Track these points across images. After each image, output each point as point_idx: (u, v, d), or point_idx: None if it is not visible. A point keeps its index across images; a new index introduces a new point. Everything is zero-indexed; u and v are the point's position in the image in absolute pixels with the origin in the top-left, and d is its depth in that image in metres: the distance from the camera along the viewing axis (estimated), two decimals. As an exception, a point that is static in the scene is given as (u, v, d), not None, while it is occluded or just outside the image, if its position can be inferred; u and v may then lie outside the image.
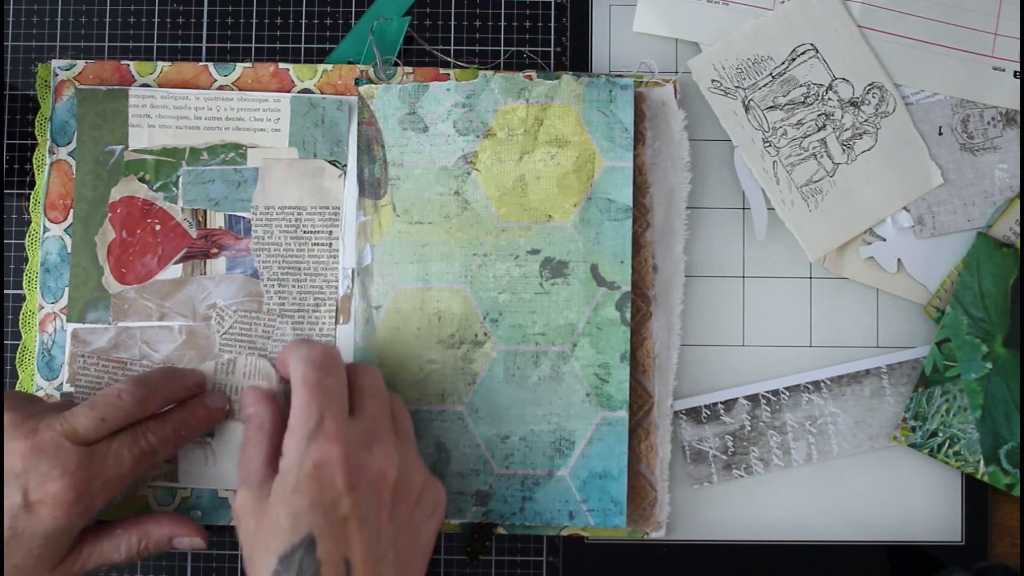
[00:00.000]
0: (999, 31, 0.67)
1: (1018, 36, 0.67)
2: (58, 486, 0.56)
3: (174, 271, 0.67)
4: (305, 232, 0.66)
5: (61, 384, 0.66)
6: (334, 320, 0.66)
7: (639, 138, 0.66)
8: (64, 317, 0.66)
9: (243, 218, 0.67)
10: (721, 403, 0.67)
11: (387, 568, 0.55)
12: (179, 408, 0.63)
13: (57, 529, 0.57)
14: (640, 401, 0.66)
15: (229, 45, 0.69)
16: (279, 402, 0.61)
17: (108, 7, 0.69)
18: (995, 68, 0.67)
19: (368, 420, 0.57)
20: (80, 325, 0.66)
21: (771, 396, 0.67)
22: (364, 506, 0.55)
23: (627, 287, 0.65)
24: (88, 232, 0.66)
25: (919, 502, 0.68)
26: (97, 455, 0.58)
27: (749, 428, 0.67)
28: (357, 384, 0.59)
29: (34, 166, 0.67)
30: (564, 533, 0.66)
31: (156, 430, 0.60)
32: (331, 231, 0.66)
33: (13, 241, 0.68)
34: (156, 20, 0.69)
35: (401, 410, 0.61)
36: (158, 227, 0.67)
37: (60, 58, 0.68)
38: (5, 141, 0.68)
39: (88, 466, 0.57)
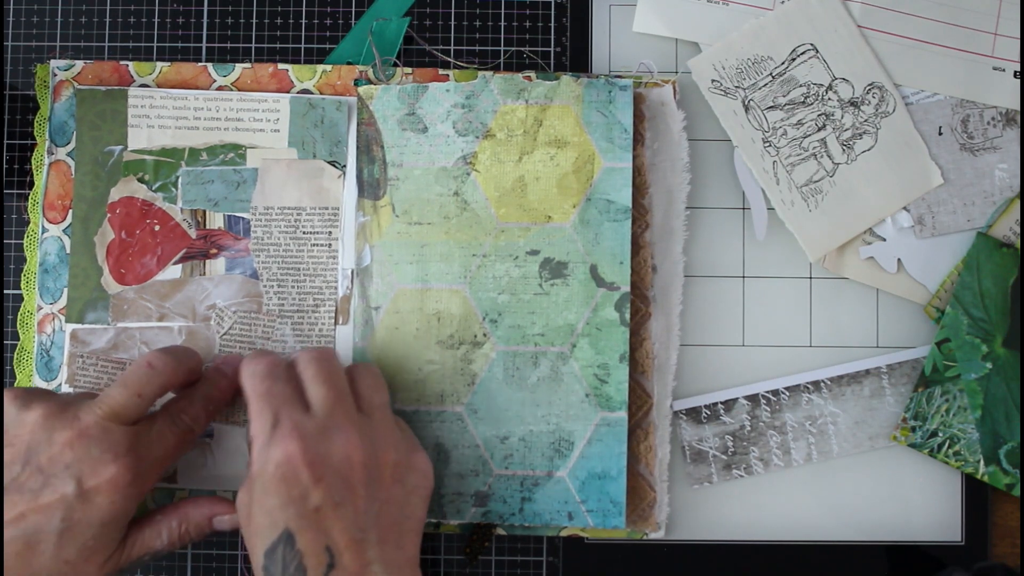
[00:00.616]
0: (999, 31, 0.67)
1: (1018, 36, 0.67)
2: (113, 469, 0.56)
3: (173, 272, 0.67)
4: (304, 233, 0.66)
5: (60, 385, 0.66)
6: (333, 321, 0.66)
7: (638, 139, 0.66)
8: (63, 318, 0.66)
9: (242, 219, 0.67)
10: (721, 403, 0.67)
11: (372, 548, 0.55)
12: (201, 384, 0.63)
13: (114, 515, 0.57)
14: (639, 402, 0.66)
15: (229, 45, 0.69)
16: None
17: (108, 7, 0.69)
18: (995, 68, 0.67)
19: (323, 411, 0.58)
20: (79, 326, 0.66)
21: (771, 396, 0.67)
22: (335, 494, 0.55)
23: (626, 288, 0.65)
24: (87, 232, 0.66)
25: (919, 502, 0.68)
26: (143, 436, 0.58)
27: (749, 428, 0.67)
28: (305, 377, 0.59)
29: (33, 166, 0.67)
30: (563, 534, 0.66)
31: (187, 408, 0.61)
32: (330, 232, 0.66)
33: (13, 241, 0.68)
34: (156, 20, 0.69)
35: (373, 384, 0.61)
36: (157, 227, 0.67)
37: (60, 58, 0.68)
38: (5, 141, 0.68)
39: (136, 447, 0.57)
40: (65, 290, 0.66)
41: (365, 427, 0.58)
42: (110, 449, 0.56)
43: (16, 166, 0.68)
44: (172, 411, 0.60)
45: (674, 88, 0.67)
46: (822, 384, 0.67)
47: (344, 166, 0.66)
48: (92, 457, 0.56)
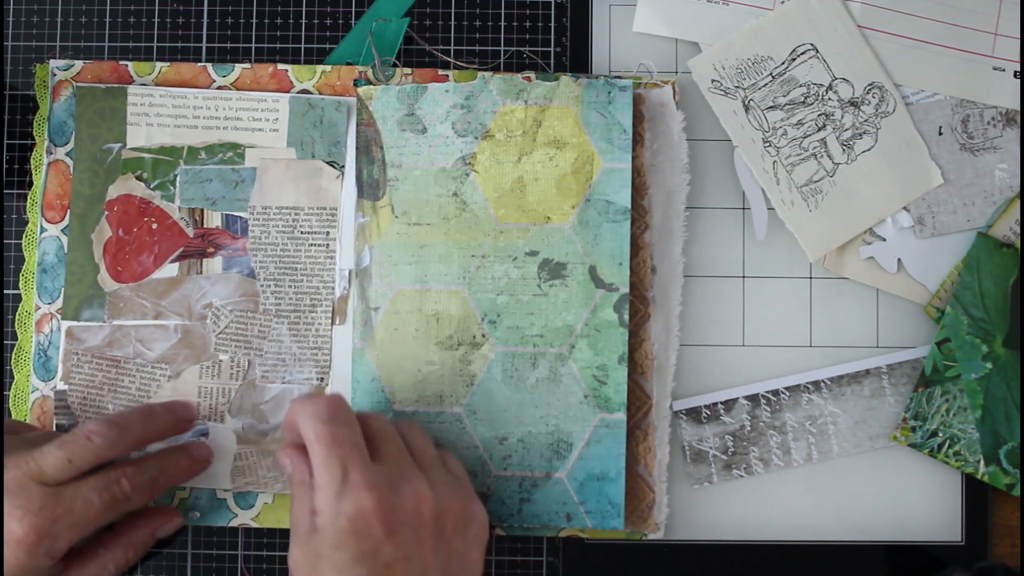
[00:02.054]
0: (999, 31, 0.67)
1: (1018, 36, 0.67)
2: (19, 528, 0.55)
3: (170, 270, 0.67)
4: (302, 232, 0.66)
5: (56, 384, 0.66)
6: (330, 321, 0.66)
7: (638, 140, 0.66)
8: (60, 317, 0.66)
9: (240, 218, 0.67)
10: (721, 403, 0.67)
11: None
12: (160, 455, 0.62)
13: (20, 570, 0.56)
14: (638, 403, 0.66)
15: (229, 45, 0.69)
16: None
17: (108, 7, 0.69)
18: (995, 68, 0.67)
19: (390, 462, 0.57)
20: (75, 323, 0.66)
21: (771, 396, 0.67)
22: (406, 547, 0.54)
23: (625, 289, 0.65)
24: (84, 230, 0.67)
25: (919, 502, 0.68)
26: (64, 497, 0.57)
27: (749, 428, 0.67)
28: (369, 431, 0.58)
29: (32, 166, 0.67)
30: (562, 535, 0.66)
31: (132, 476, 0.59)
32: (328, 232, 0.66)
33: (13, 242, 0.68)
34: (156, 20, 0.69)
35: (420, 438, 0.60)
36: (155, 226, 0.67)
37: (59, 58, 0.68)
38: (5, 142, 0.68)
39: (52, 508, 0.56)
40: (63, 289, 0.66)
41: (433, 476, 0.58)
42: (20, 506, 0.56)
43: (16, 166, 0.68)
44: (111, 476, 0.59)
45: (674, 89, 0.67)
46: (822, 384, 0.67)
47: (343, 166, 0.66)
48: (5, 512, 0.56)
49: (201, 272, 0.67)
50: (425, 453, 0.59)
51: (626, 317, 0.65)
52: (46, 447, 0.57)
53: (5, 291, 0.68)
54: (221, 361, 0.66)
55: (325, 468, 0.55)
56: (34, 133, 0.67)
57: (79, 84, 0.67)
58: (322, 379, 0.66)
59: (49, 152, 0.67)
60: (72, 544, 0.58)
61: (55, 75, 0.67)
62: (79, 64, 0.68)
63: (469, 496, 0.59)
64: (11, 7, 0.69)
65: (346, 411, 0.57)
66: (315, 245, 0.66)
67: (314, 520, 0.55)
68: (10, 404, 0.67)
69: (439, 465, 0.60)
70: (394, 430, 0.59)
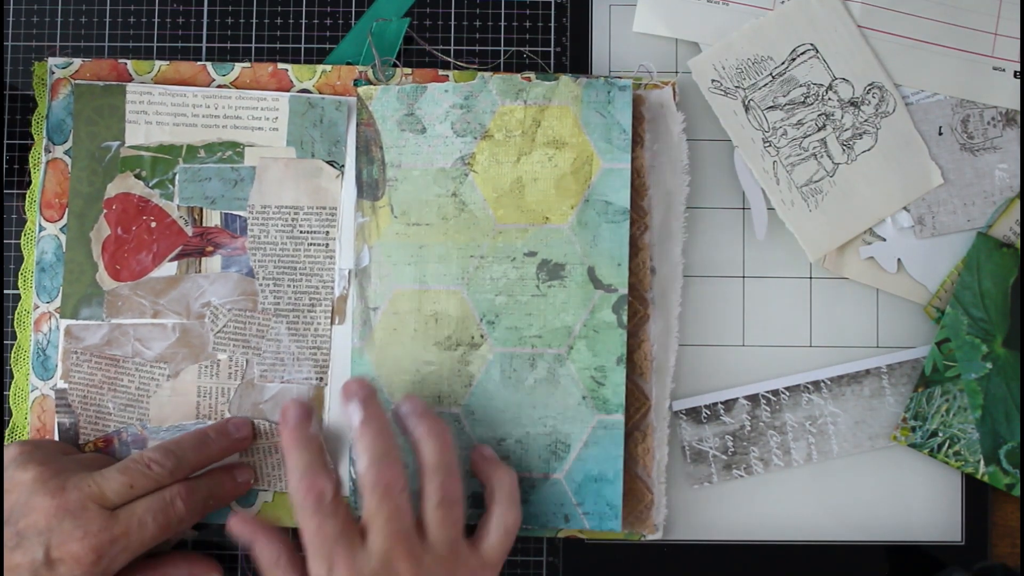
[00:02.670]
0: (999, 31, 0.67)
1: (1018, 36, 0.67)
2: (79, 547, 0.57)
3: (169, 269, 0.67)
4: (301, 232, 0.66)
5: (56, 383, 0.66)
6: (329, 321, 0.66)
7: (638, 140, 0.66)
8: (59, 316, 0.66)
9: (239, 217, 0.67)
10: (721, 403, 0.67)
11: None
12: (209, 477, 0.64)
13: None
14: (637, 404, 0.65)
15: (229, 45, 0.69)
16: (280, 533, 0.61)
17: (108, 7, 0.69)
18: (995, 68, 0.67)
19: (379, 550, 0.57)
20: (73, 321, 0.66)
21: (771, 396, 0.67)
22: None
23: (624, 290, 0.64)
24: (83, 228, 0.67)
25: (919, 502, 0.68)
26: (120, 520, 0.59)
27: (749, 428, 0.67)
28: (365, 502, 0.58)
29: (30, 165, 0.67)
30: (560, 536, 0.66)
31: (186, 498, 0.61)
32: (328, 231, 0.66)
33: (13, 242, 0.68)
34: (156, 20, 0.69)
35: (444, 518, 0.60)
36: (154, 224, 0.67)
37: (59, 57, 0.68)
38: (5, 142, 0.68)
39: (111, 529, 0.58)
40: (61, 288, 0.66)
41: (424, 564, 0.58)
42: (81, 527, 0.57)
43: (16, 167, 0.68)
44: (165, 499, 0.60)
45: (674, 90, 0.67)
46: (822, 384, 0.67)
47: (343, 166, 0.66)
48: (64, 530, 0.57)
49: (200, 271, 0.67)
50: (437, 536, 0.59)
51: (625, 318, 0.64)
52: (107, 471, 0.59)
53: (5, 291, 0.68)
54: (219, 360, 0.66)
55: (314, 561, 0.57)
56: (32, 131, 0.67)
57: (77, 82, 0.67)
58: (321, 379, 0.66)
59: (47, 150, 0.67)
60: (125, 564, 0.60)
61: (53, 73, 0.67)
62: (78, 62, 0.68)
63: (468, 575, 0.60)
64: (11, 7, 0.69)
65: (329, 503, 0.58)
66: (314, 245, 0.66)
67: None
68: (10, 403, 0.67)
69: (450, 548, 0.59)
70: (405, 507, 0.59)
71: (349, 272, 0.66)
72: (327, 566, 0.57)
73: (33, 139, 0.68)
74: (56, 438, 0.66)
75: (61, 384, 0.66)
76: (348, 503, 0.60)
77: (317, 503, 0.58)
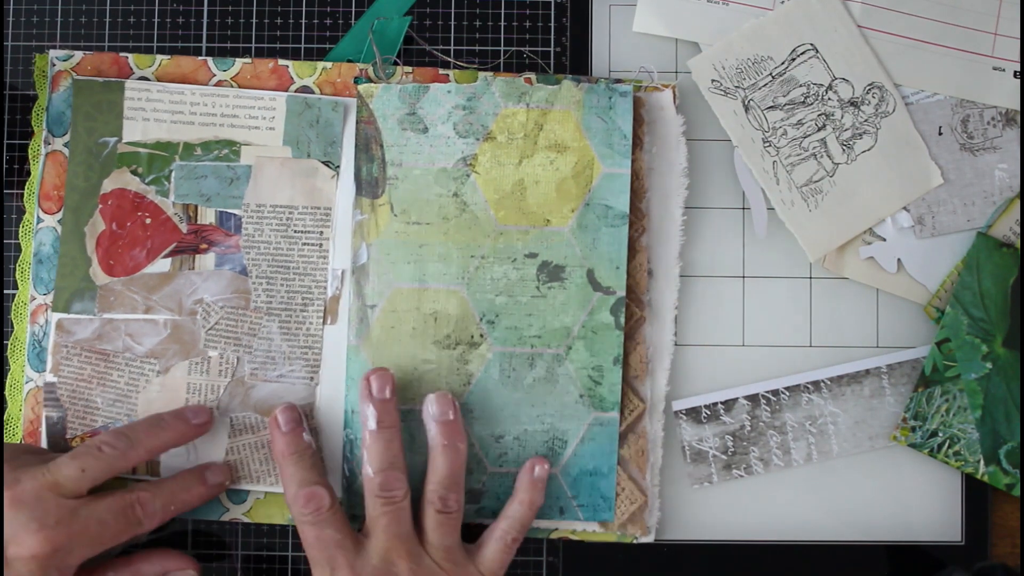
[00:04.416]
0: (999, 31, 0.67)
1: (1018, 36, 0.67)
2: (35, 540, 0.56)
3: (162, 265, 0.67)
4: (296, 231, 0.66)
5: (47, 376, 0.66)
6: (322, 321, 0.66)
7: (637, 143, 0.66)
8: (52, 309, 0.66)
9: (234, 215, 0.67)
10: (721, 403, 0.67)
11: None
12: (175, 482, 0.63)
13: None
14: (632, 406, 0.66)
15: (229, 45, 0.69)
16: None
17: (108, 6, 0.69)
18: (995, 68, 0.67)
19: (378, 555, 0.60)
20: (65, 315, 0.66)
21: (771, 396, 0.67)
22: None
23: (622, 292, 0.65)
24: (78, 223, 0.66)
25: (919, 502, 0.68)
26: (80, 515, 0.58)
27: (749, 428, 0.67)
28: (368, 510, 0.61)
29: (30, 156, 0.67)
30: (554, 536, 0.66)
31: (146, 502, 0.61)
32: (322, 231, 0.66)
33: (14, 240, 0.68)
34: (156, 20, 0.69)
35: (442, 525, 0.62)
36: (148, 220, 0.67)
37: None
38: (5, 141, 0.68)
39: (68, 524, 0.57)
40: (55, 281, 0.66)
41: (423, 569, 0.60)
42: (38, 519, 0.57)
43: (16, 165, 0.68)
44: (127, 500, 0.60)
45: (673, 93, 0.67)
46: (822, 384, 0.67)
47: (338, 167, 0.66)
48: (19, 523, 0.56)
49: (193, 268, 0.67)
50: (434, 542, 0.62)
51: (622, 320, 0.65)
52: (60, 459, 0.59)
53: (5, 291, 0.68)
54: (210, 357, 0.66)
55: (316, 569, 0.60)
56: (32, 123, 0.67)
57: (77, 77, 0.67)
58: (312, 378, 0.66)
59: (47, 142, 0.67)
60: (84, 560, 0.59)
61: (54, 65, 0.67)
62: (79, 55, 0.67)
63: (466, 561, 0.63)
64: (11, 7, 0.69)
65: (326, 511, 0.60)
66: (308, 244, 0.66)
67: None
68: (7, 392, 0.66)
69: (446, 555, 0.62)
70: (406, 515, 0.61)
71: (342, 273, 0.66)
72: (329, 570, 0.59)
73: (33, 130, 0.67)
74: (44, 431, 0.66)
75: (50, 378, 0.66)
76: (343, 511, 0.62)
77: (316, 514, 0.60)
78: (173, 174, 0.67)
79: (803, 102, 0.67)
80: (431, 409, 0.63)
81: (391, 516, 0.60)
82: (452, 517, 0.62)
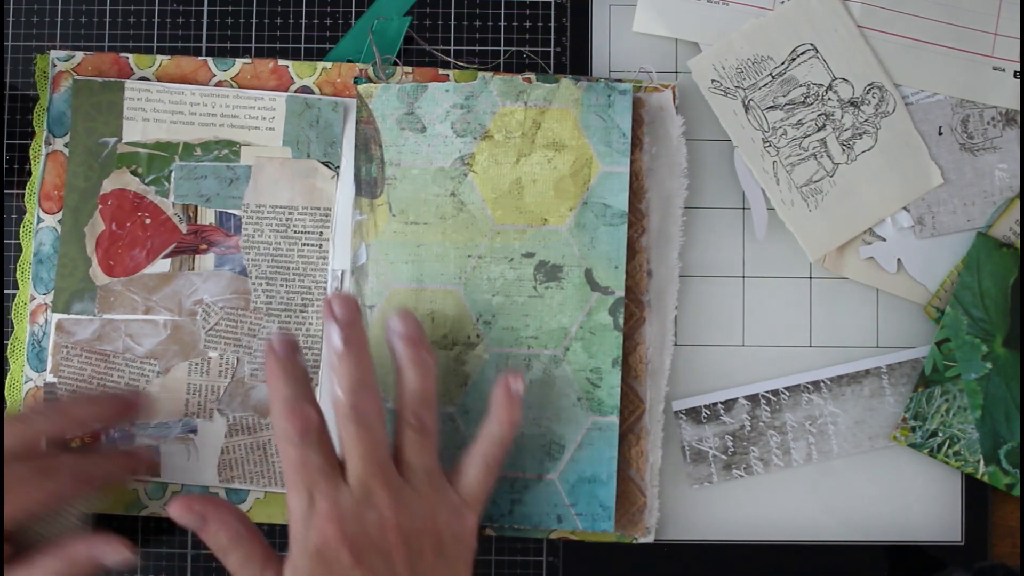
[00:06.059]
0: (999, 31, 0.67)
1: (1018, 36, 0.67)
2: None
3: (162, 265, 0.67)
4: (295, 232, 0.66)
5: (47, 376, 0.66)
6: (322, 322, 0.66)
7: (636, 143, 0.66)
8: (51, 310, 0.66)
9: (234, 215, 0.67)
10: (721, 403, 0.67)
11: None
12: (100, 450, 0.63)
13: None
14: (631, 406, 0.65)
15: (229, 45, 0.69)
16: (234, 508, 0.59)
17: (108, 6, 0.69)
18: (995, 68, 0.67)
19: (358, 482, 0.56)
20: (65, 316, 0.66)
21: (771, 396, 0.67)
22: (376, 569, 0.54)
23: (621, 292, 0.64)
24: (78, 223, 0.67)
25: (919, 502, 0.67)
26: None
27: (749, 428, 0.67)
28: (343, 438, 0.57)
29: (30, 156, 0.67)
30: (553, 536, 0.66)
31: (65, 460, 0.60)
32: (322, 232, 0.66)
33: (14, 240, 0.68)
34: (156, 20, 0.69)
35: (419, 444, 0.58)
36: (148, 221, 0.67)
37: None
38: (5, 141, 0.68)
39: None
40: (55, 281, 0.67)
41: (404, 496, 0.57)
42: None
43: (16, 166, 0.68)
44: (45, 457, 0.59)
45: (673, 93, 0.67)
46: (822, 384, 0.67)
47: (338, 167, 0.66)
48: None
49: (193, 268, 0.67)
50: (413, 464, 0.58)
51: (621, 321, 0.64)
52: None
53: (6, 291, 0.68)
54: (210, 358, 0.66)
55: (292, 492, 0.56)
56: (33, 123, 0.68)
57: (77, 77, 0.67)
58: (311, 379, 0.66)
59: (48, 143, 0.67)
60: (13, 526, 0.58)
61: (55, 66, 0.67)
62: (80, 55, 0.68)
63: (452, 510, 0.59)
64: (11, 7, 0.69)
65: (315, 433, 0.57)
66: (308, 245, 0.66)
67: (267, 554, 0.57)
68: (6, 392, 0.67)
69: (428, 478, 0.58)
70: (381, 438, 0.57)
71: (341, 273, 0.66)
72: (307, 497, 0.55)
73: (34, 131, 0.68)
74: None
75: (50, 378, 0.66)
76: (330, 436, 0.58)
77: (302, 433, 0.56)
78: (173, 174, 0.67)
79: (803, 102, 0.67)
80: (396, 327, 0.59)
81: (367, 442, 0.56)
82: (427, 437, 0.58)
